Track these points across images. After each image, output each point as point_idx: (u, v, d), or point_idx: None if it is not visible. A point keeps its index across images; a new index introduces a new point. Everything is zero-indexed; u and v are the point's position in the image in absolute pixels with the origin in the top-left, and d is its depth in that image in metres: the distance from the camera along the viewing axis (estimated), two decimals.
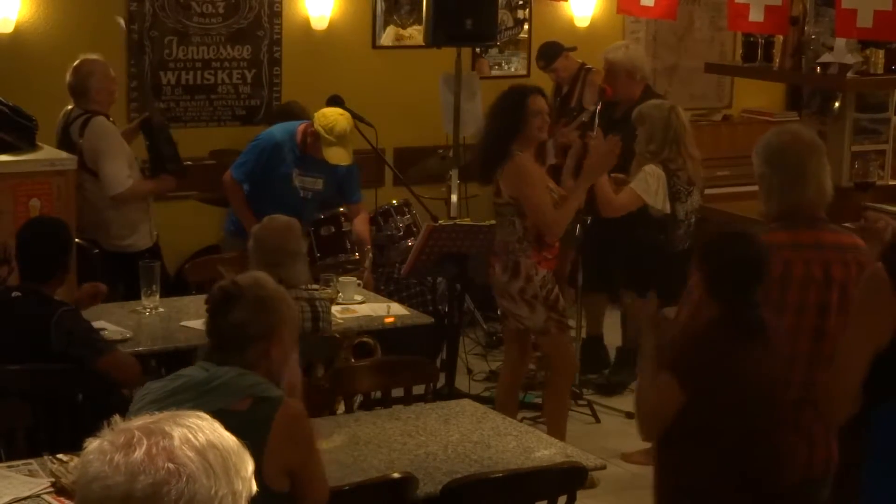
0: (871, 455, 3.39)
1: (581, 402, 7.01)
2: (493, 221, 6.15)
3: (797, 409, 3.88)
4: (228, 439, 1.74)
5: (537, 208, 5.82)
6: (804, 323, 3.85)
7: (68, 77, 6.81)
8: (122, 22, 7.53)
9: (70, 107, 6.83)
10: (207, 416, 1.76)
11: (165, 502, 1.65)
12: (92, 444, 1.71)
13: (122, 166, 6.70)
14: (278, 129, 6.91)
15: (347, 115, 6.79)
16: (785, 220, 3.93)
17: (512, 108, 5.89)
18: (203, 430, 1.72)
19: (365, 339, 6.25)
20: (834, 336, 3.80)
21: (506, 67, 9.19)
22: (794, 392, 3.87)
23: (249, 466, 1.74)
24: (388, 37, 8.74)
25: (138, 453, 1.67)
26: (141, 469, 1.66)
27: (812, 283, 3.85)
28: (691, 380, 3.71)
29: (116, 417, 1.75)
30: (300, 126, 6.85)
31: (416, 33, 8.58)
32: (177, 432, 1.70)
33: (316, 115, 6.77)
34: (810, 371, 3.85)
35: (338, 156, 6.67)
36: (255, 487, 1.75)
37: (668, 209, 6.34)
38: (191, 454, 1.68)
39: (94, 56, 6.90)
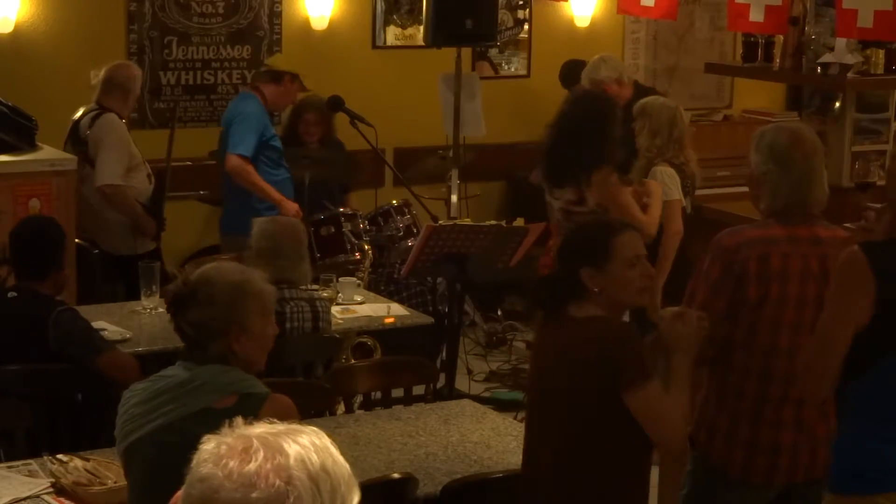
0: (843, 426, 3.51)
1: None
2: (492, 222, 6.15)
3: (799, 407, 3.88)
4: (341, 466, 1.72)
5: (627, 210, 5.86)
6: (804, 317, 3.86)
7: (109, 71, 6.85)
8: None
9: (84, 108, 6.85)
10: (324, 436, 1.73)
11: None
12: (209, 444, 1.70)
13: (118, 161, 6.69)
14: (245, 103, 7.01)
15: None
16: (781, 216, 3.95)
17: (606, 116, 5.94)
18: (319, 452, 1.70)
19: (365, 340, 6.25)
20: None
21: (506, 67, 9.19)
22: (797, 389, 3.87)
23: (356, 498, 1.72)
24: (388, 37, 8.74)
25: (253, 465, 1.66)
26: (253, 482, 1.65)
27: (811, 278, 3.87)
28: None
29: (239, 419, 1.73)
30: (257, 95, 7.05)
31: (416, 33, 8.58)
32: (293, 450, 1.68)
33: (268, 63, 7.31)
34: None
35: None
36: None
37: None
38: (303, 477, 1.66)
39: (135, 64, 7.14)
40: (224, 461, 1.67)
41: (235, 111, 6.99)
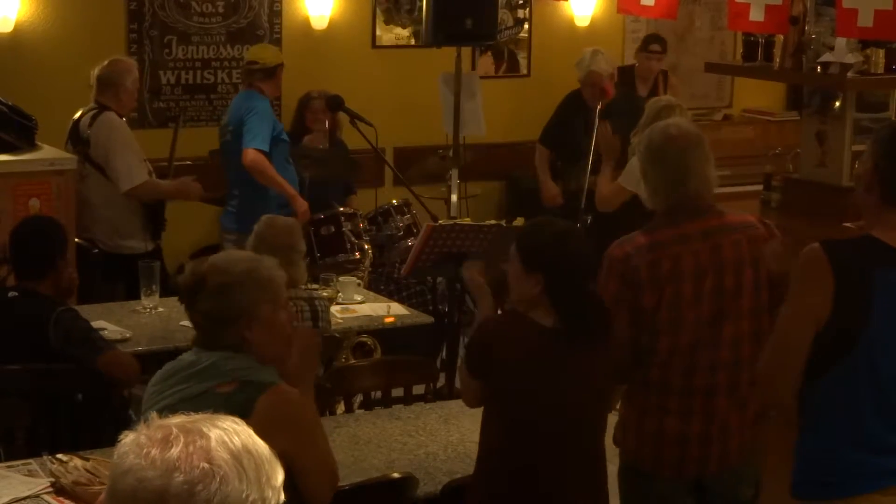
0: (803, 428, 3.46)
1: None
2: (492, 221, 6.15)
3: (707, 398, 3.90)
4: (262, 446, 1.75)
5: None
6: (703, 311, 3.87)
7: (100, 69, 6.83)
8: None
9: (83, 108, 6.86)
10: (243, 422, 1.76)
11: (197, 501, 1.66)
12: (128, 437, 1.72)
13: (133, 160, 6.72)
14: (253, 99, 6.99)
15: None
16: (669, 216, 3.93)
17: None
18: (239, 434, 1.73)
19: (365, 339, 6.25)
20: (735, 316, 3.86)
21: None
22: (701, 379, 3.88)
23: (279, 476, 1.75)
24: (388, 37, 8.74)
25: (175, 450, 1.68)
26: (176, 466, 1.67)
27: (705, 272, 3.87)
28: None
29: (154, 414, 1.76)
30: (257, 92, 7.03)
31: (416, 33, 8.58)
32: (213, 433, 1.71)
33: (256, 58, 7.17)
34: (715, 353, 3.88)
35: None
36: (283, 497, 1.75)
37: None
38: (226, 456, 1.69)
39: (131, 59, 7.06)
40: (145, 450, 1.69)
41: (245, 107, 6.96)
